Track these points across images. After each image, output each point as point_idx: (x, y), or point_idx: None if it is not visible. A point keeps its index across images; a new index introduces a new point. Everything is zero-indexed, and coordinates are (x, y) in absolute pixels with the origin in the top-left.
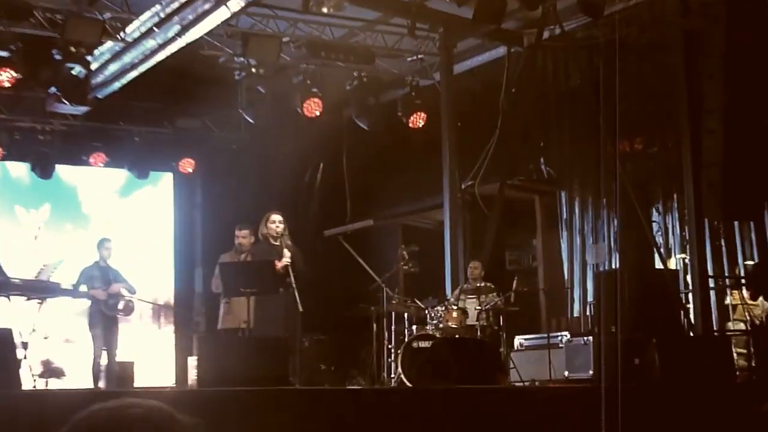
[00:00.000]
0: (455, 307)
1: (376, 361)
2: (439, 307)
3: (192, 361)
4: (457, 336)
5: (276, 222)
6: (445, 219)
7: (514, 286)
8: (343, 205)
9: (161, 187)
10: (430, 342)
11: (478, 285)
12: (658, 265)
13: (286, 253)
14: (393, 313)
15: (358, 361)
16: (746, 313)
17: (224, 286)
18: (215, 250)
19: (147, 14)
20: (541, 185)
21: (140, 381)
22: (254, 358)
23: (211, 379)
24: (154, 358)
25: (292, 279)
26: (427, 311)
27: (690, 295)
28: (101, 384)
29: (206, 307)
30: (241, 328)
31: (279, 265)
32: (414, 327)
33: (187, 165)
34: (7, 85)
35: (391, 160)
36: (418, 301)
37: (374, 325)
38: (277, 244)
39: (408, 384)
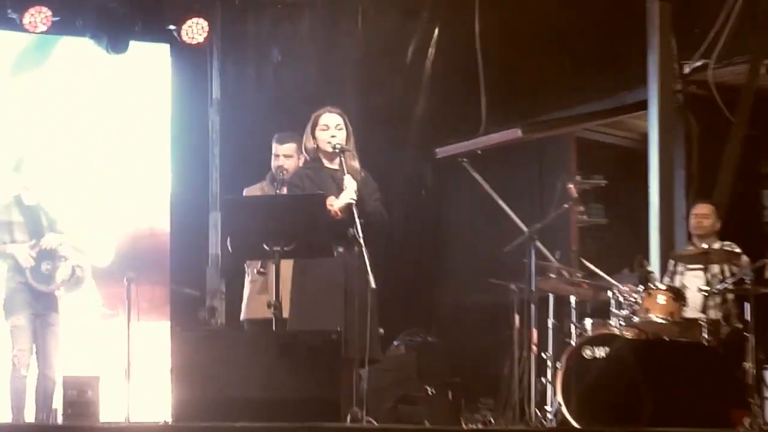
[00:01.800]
0: (663, 287)
1: (520, 381)
2: (634, 287)
3: None
4: (665, 338)
5: (331, 127)
6: (650, 129)
7: None
8: (474, 103)
9: (150, 68)
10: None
11: (707, 247)
12: None
13: (349, 182)
14: (551, 296)
15: (491, 381)
16: None
17: (233, 239)
18: (243, 179)
19: None
20: None
21: (107, 413)
22: (288, 371)
23: (209, 407)
24: (128, 372)
25: (358, 230)
26: (613, 293)
27: None
28: (29, 415)
29: (230, 282)
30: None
31: (335, 204)
32: (588, 321)
33: (196, 30)
34: None
35: (555, 25)
36: (600, 273)
37: (516, 318)
38: (334, 166)
39: (574, 424)
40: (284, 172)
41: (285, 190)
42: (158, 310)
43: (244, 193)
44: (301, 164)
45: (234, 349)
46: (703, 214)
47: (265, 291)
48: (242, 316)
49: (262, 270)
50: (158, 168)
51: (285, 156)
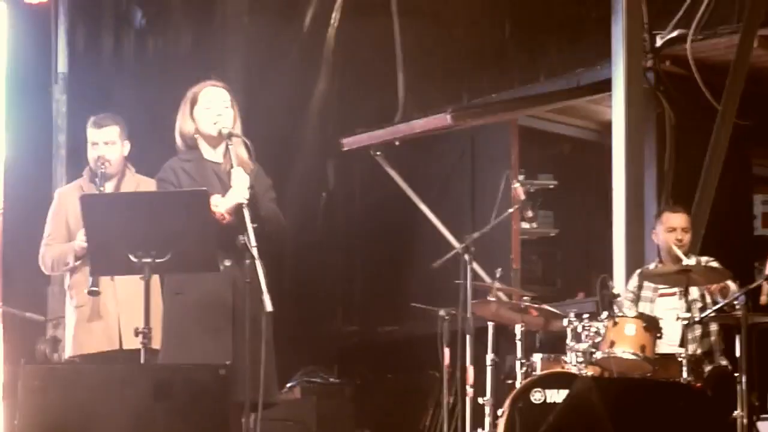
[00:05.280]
0: (633, 314)
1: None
2: (594, 316)
3: None
4: (635, 376)
5: (216, 105)
6: (614, 117)
7: None
8: (389, 83)
9: None
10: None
11: (685, 264)
12: None
13: (239, 177)
14: (490, 325)
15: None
16: None
17: (91, 250)
18: None
19: None
20: None
21: None
22: (162, 416)
23: None
24: None
25: (251, 238)
26: (568, 321)
27: None
28: None
29: None
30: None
31: (220, 205)
32: (536, 358)
33: None
34: None
35: None
36: (546, 303)
37: (446, 352)
38: (216, 158)
39: None
40: (106, 163)
41: (108, 187)
42: None
43: (55, 195)
44: (125, 153)
45: (95, 387)
46: (683, 228)
47: (98, 317)
48: (69, 353)
49: (94, 288)
50: None
51: (105, 143)
